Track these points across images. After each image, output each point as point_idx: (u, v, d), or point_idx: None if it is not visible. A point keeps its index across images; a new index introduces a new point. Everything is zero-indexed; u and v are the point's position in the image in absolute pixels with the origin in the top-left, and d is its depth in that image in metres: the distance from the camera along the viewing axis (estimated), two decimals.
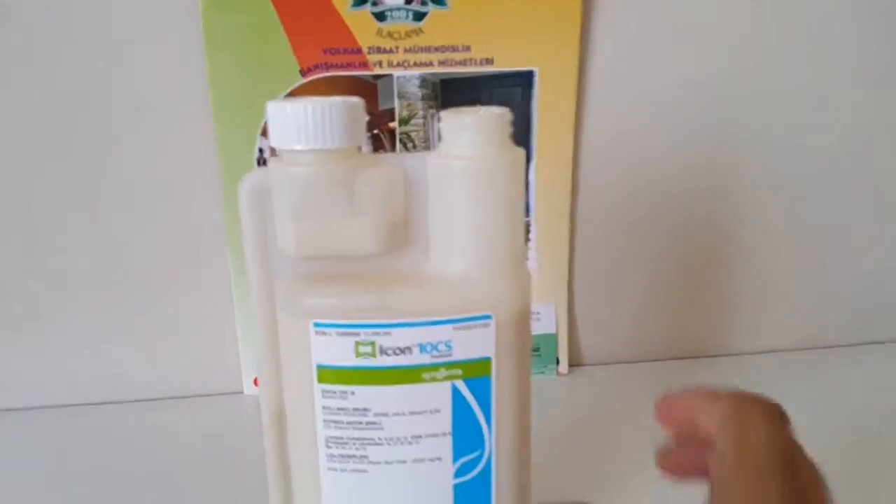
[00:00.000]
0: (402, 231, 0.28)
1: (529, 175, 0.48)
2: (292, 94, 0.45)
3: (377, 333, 0.27)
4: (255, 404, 0.49)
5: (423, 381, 0.28)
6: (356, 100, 0.26)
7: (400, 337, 0.27)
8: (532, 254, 0.50)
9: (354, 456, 0.28)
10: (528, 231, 0.49)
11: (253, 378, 0.51)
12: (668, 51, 0.49)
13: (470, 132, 0.27)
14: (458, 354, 0.27)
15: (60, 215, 0.48)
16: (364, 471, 0.28)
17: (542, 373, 0.53)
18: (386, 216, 0.27)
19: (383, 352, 0.27)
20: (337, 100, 0.26)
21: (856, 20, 0.49)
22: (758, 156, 0.52)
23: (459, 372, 0.28)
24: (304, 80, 0.45)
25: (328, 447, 0.28)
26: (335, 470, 0.29)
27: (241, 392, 0.52)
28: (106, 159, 0.47)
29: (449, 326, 0.27)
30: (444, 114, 0.27)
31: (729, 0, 0.48)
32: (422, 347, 0.27)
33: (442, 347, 0.27)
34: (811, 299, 0.56)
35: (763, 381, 0.51)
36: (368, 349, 0.27)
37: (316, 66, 0.45)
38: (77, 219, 0.48)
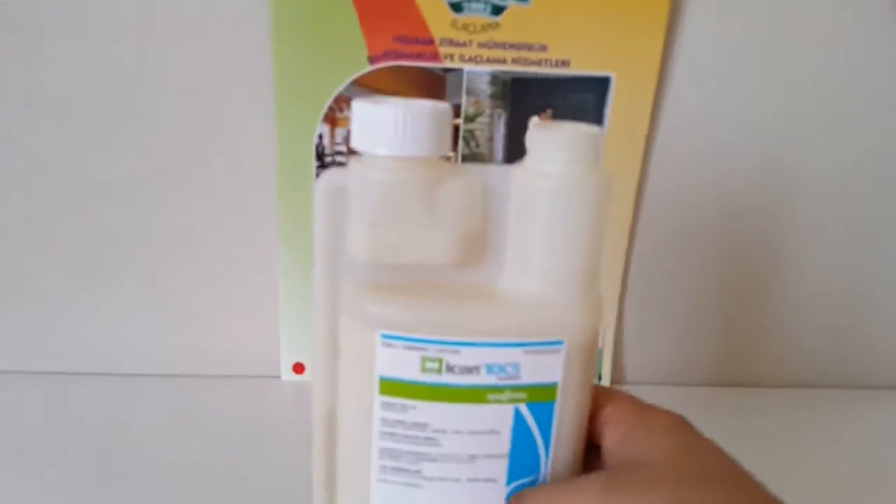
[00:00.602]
0: (478, 244, 0.27)
1: None
2: (358, 81, 0.44)
3: (445, 350, 0.26)
4: (292, 391, 0.50)
5: (487, 401, 0.27)
6: (445, 106, 0.25)
7: (468, 356, 0.26)
8: None
9: (408, 470, 0.28)
10: None
11: (292, 364, 0.51)
12: (755, 65, 0.46)
13: (560, 149, 0.25)
14: (526, 378, 0.27)
15: (111, 184, 0.47)
16: (416, 486, 0.28)
17: None
18: (463, 228, 0.26)
19: (450, 369, 0.26)
20: (427, 106, 0.25)
21: None
22: (825, 184, 0.50)
23: (524, 395, 0.27)
24: (372, 68, 0.44)
25: (381, 459, 0.28)
26: (386, 482, 0.28)
27: (279, 377, 0.51)
28: (162, 133, 0.47)
29: (519, 349, 0.26)
30: (533, 126, 0.26)
31: (825, 13, 0.46)
32: (489, 368, 0.26)
33: (510, 370, 0.26)
34: (860, 335, 0.54)
35: (802, 415, 0.51)
36: (435, 365, 0.26)
37: (385, 54, 0.44)
38: (129, 190, 0.48)
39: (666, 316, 0.53)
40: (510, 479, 0.28)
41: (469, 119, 0.45)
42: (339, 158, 0.46)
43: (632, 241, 0.50)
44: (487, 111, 0.45)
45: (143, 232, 0.49)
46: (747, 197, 0.50)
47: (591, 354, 0.28)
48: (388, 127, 0.25)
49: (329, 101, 0.44)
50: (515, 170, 0.26)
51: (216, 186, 0.48)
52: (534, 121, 0.26)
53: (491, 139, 0.46)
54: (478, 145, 0.46)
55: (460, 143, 0.46)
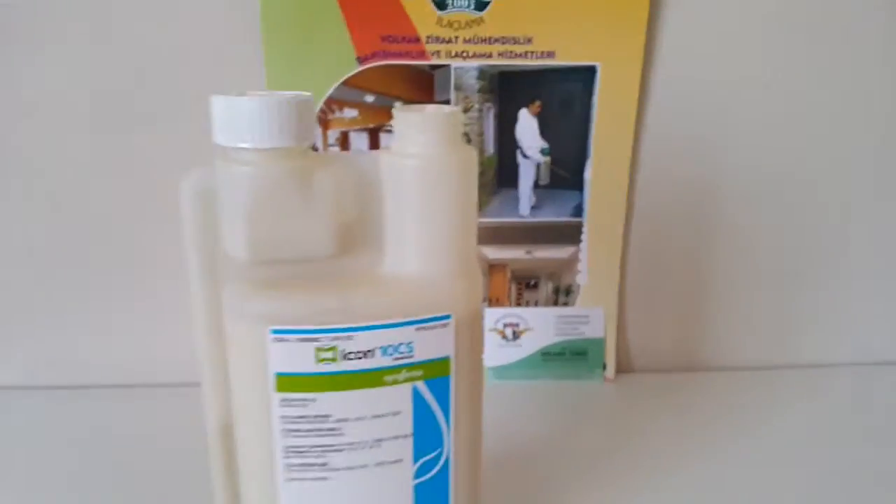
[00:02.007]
0: (357, 231, 0.27)
1: (585, 175, 0.47)
2: (348, 82, 0.44)
3: (339, 338, 0.26)
4: None
5: (385, 384, 0.27)
6: (306, 95, 0.25)
7: (362, 341, 0.26)
8: (583, 255, 0.49)
9: (315, 464, 0.27)
10: (579, 232, 0.48)
11: None
12: (736, 50, 0.48)
13: (420, 130, 0.26)
14: (420, 355, 0.27)
15: (84, 194, 0.46)
16: (324, 478, 0.28)
17: (589, 378, 0.52)
18: (339, 216, 0.26)
19: (345, 356, 0.26)
20: (286, 95, 0.25)
21: None
22: (827, 166, 0.51)
23: (420, 373, 0.27)
24: (361, 68, 0.44)
25: (286, 457, 0.27)
26: (293, 480, 0.28)
27: None
28: (154, 136, 0.45)
29: (411, 328, 0.27)
30: (396, 110, 0.27)
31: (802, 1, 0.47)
32: (384, 350, 0.27)
33: (404, 349, 0.27)
34: (866, 315, 0.55)
35: (812, 394, 0.51)
36: (330, 354, 0.26)
37: (374, 54, 0.44)
38: (105, 202, 0.47)
39: (669, 304, 0.53)
40: (416, 457, 0.29)
41: None
42: None
43: (628, 229, 0.50)
44: (476, 106, 0.45)
45: (120, 246, 0.48)
46: (746, 180, 0.51)
47: (477, 325, 0.29)
48: (247, 119, 0.24)
49: (320, 104, 0.44)
50: (383, 154, 0.27)
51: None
52: (397, 105, 0.27)
53: (481, 133, 0.46)
54: (469, 140, 0.46)
55: None
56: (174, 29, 0.44)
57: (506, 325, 0.50)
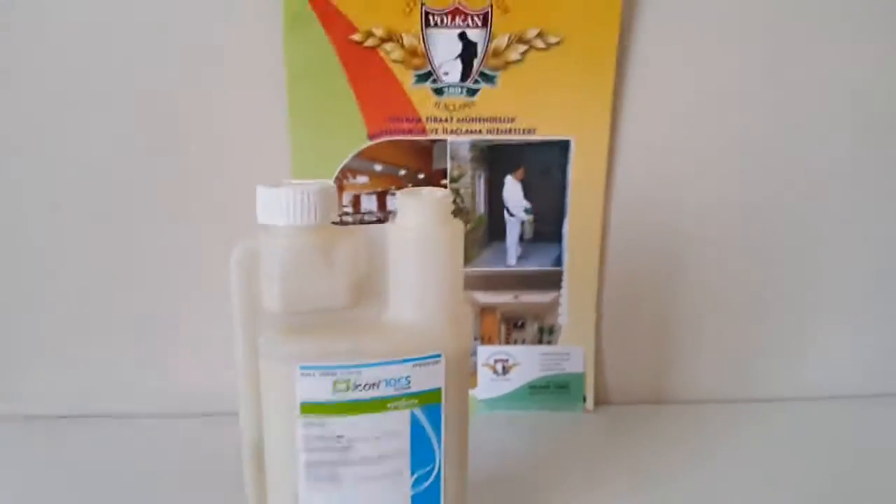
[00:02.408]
0: (366, 286, 0.34)
1: (563, 229, 0.55)
2: (360, 154, 0.51)
3: (351, 373, 0.33)
4: None
5: (388, 409, 0.34)
6: (330, 184, 0.33)
7: (369, 375, 0.33)
8: (563, 300, 0.56)
9: (329, 476, 0.34)
10: (560, 279, 0.56)
11: None
12: (692, 112, 0.55)
13: (418, 210, 0.34)
14: (416, 387, 0.34)
15: (142, 225, 0.54)
16: (338, 488, 0.34)
17: (571, 409, 0.58)
18: (353, 276, 0.34)
19: (356, 387, 0.33)
20: (314, 185, 0.32)
21: None
22: (790, 204, 0.56)
23: (416, 401, 0.34)
24: (371, 143, 0.51)
25: (307, 469, 0.34)
26: (312, 489, 0.34)
27: None
28: (188, 204, 0.53)
29: (409, 364, 0.33)
30: (399, 194, 0.34)
31: (758, 66, 0.53)
32: (387, 382, 0.33)
33: (403, 382, 0.34)
34: (834, 348, 0.60)
35: (776, 426, 0.56)
36: (344, 386, 0.33)
37: (381, 132, 0.51)
38: (166, 263, 0.54)
39: (643, 342, 0.59)
40: (413, 471, 0.35)
41: (454, 180, 0.53)
42: (345, 218, 0.53)
43: (602, 275, 0.57)
44: (469, 173, 0.53)
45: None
46: (703, 220, 0.57)
47: (464, 361, 0.36)
48: (283, 205, 0.32)
49: (336, 172, 0.52)
50: (389, 227, 0.34)
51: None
52: (399, 192, 0.34)
53: (474, 195, 0.53)
54: (463, 201, 0.53)
55: None
56: (208, 108, 0.51)
57: (496, 361, 0.57)
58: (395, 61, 0.50)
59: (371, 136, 0.52)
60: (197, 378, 0.55)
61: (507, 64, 0.51)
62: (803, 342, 0.60)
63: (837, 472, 0.51)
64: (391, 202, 0.53)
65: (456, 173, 0.53)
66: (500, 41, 0.50)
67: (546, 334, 0.57)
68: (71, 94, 0.51)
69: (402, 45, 0.50)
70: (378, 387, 0.33)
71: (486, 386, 0.57)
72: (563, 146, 0.53)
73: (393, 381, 0.33)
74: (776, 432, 0.56)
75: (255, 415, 0.34)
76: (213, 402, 0.52)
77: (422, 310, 0.34)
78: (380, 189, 0.52)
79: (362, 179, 0.52)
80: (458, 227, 0.35)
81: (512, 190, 0.54)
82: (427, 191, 0.35)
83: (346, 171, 0.52)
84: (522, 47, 0.51)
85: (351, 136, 0.51)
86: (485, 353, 0.57)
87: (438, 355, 0.34)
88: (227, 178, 0.52)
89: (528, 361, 0.57)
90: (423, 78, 0.51)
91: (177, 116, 0.52)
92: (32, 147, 0.52)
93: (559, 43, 0.51)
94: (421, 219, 0.33)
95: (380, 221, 0.53)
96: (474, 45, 0.50)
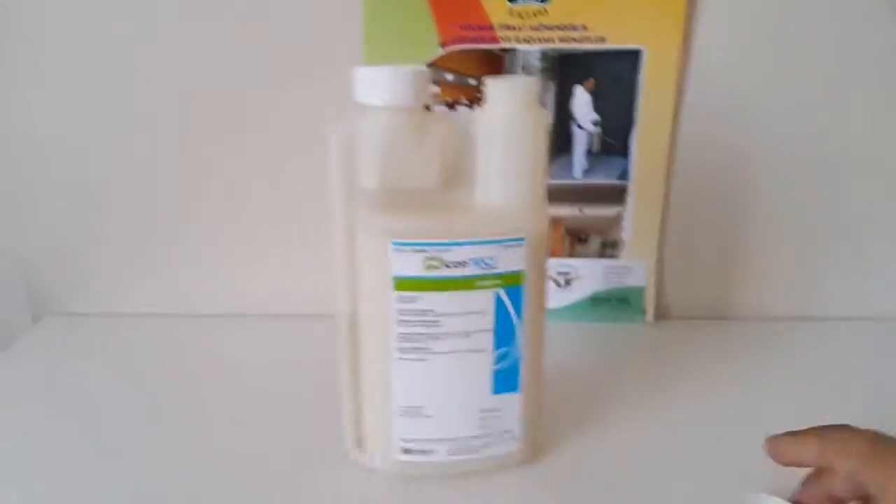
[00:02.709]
0: (456, 170, 0.36)
1: (630, 143, 0.55)
2: (432, 64, 0.53)
3: (441, 250, 0.35)
4: None
5: (475, 288, 0.36)
6: (422, 69, 0.34)
7: (458, 253, 0.35)
8: (628, 214, 0.57)
9: (419, 348, 0.36)
10: (625, 193, 0.57)
11: None
12: (769, 33, 0.54)
13: (506, 96, 0.35)
14: (500, 268, 0.36)
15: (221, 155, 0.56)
16: (426, 360, 0.36)
17: (631, 321, 0.59)
18: (444, 159, 0.35)
19: (445, 265, 0.35)
20: (409, 69, 0.33)
21: None
22: (852, 143, 0.56)
23: (500, 281, 0.36)
24: (443, 52, 0.53)
25: (399, 342, 0.36)
26: (403, 360, 0.36)
27: None
28: (264, 116, 0.54)
29: (495, 245, 0.35)
30: (488, 80, 0.35)
31: None
32: (475, 262, 0.35)
33: (489, 262, 0.35)
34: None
35: (835, 345, 0.57)
36: (435, 263, 0.35)
37: (453, 41, 0.52)
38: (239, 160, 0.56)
39: (705, 257, 0.59)
40: (496, 347, 0.37)
41: None
42: None
43: (668, 191, 0.57)
44: (539, 83, 0.53)
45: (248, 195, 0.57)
46: (771, 141, 0.57)
47: (543, 246, 0.37)
48: (382, 85, 0.33)
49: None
50: (478, 112, 0.36)
51: (305, 151, 0.51)
52: (488, 78, 0.35)
53: (543, 105, 0.54)
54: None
55: None
56: (282, 17, 0.53)
57: (559, 274, 0.59)
58: None
59: (443, 45, 0.52)
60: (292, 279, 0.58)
61: None
62: (866, 263, 0.60)
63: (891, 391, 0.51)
64: (461, 113, 0.54)
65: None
66: None
67: (609, 248, 0.58)
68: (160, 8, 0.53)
69: None
70: (466, 265, 0.35)
71: (548, 297, 0.58)
72: (634, 56, 0.53)
73: (480, 261, 0.35)
74: (837, 351, 0.56)
75: (350, 290, 0.37)
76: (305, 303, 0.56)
77: (507, 193, 0.36)
78: (450, 100, 0.54)
79: (434, 90, 0.53)
80: (544, 114, 0.36)
81: (581, 101, 0.54)
82: (514, 77, 0.36)
83: None
84: None
85: (424, 44, 0.52)
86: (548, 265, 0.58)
87: (522, 239, 0.36)
88: (300, 87, 0.54)
89: (590, 274, 0.59)
90: None
91: (263, 19, 0.53)
92: (125, 53, 0.54)
93: None
94: (509, 104, 0.35)
95: None
96: None
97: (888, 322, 0.61)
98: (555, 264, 0.58)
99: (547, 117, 0.36)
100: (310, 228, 0.56)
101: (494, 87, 0.35)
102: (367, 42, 0.52)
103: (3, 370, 0.52)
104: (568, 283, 0.59)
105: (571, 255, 0.58)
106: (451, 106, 0.54)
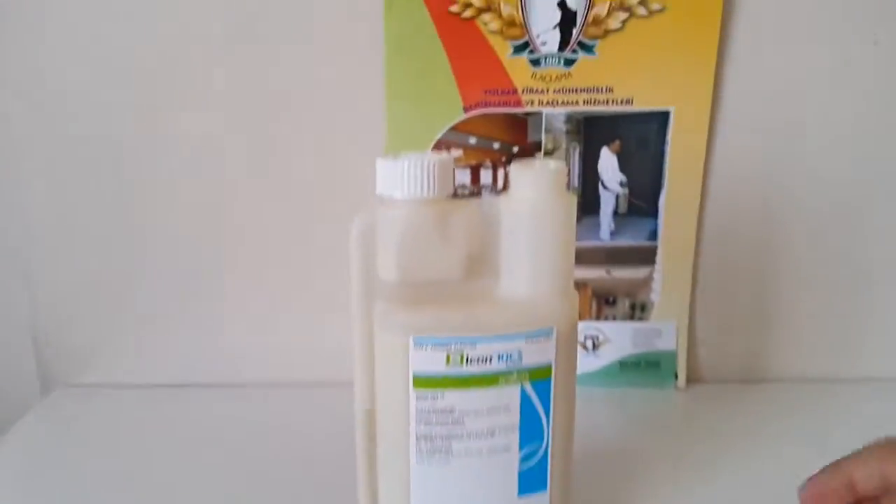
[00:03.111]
0: (479, 259, 0.34)
1: (660, 203, 0.53)
2: (455, 127, 0.51)
3: (465, 346, 0.33)
4: None
5: (499, 384, 0.33)
6: (448, 157, 0.32)
7: (483, 349, 0.33)
8: (657, 276, 0.55)
9: (440, 450, 0.34)
10: (654, 254, 0.55)
11: None
12: (797, 91, 0.52)
13: (532, 182, 0.33)
14: (527, 361, 0.33)
15: (245, 215, 0.55)
16: (447, 462, 0.34)
17: (662, 386, 0.57)
18: (467, 249, 0.33)
19: (469, 361, 0.33)
20: (434, 158, 0.32)
21: None
22: (882, 199, 0.55)
23: (527, 375, 0.34)
24: (465, 116, 0.51)
25: (418, 443, 0.34)
26: (423, 463, 0.34)
27: None
28: (289, 179, 0.54)
29: (522, 339, 0.33)
30: (512, 165, 0.33)
31: (870, 49, 0.51)
32: (499, 357, 0.33)
33: (515, 356, 0.33)
34: None
35: (874, 406, 0.54)
36: (458, 359, 0.33)
37: (477, 105, 0.51)
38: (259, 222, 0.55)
39: (737, 319, 0.58)
40: (522, 446, 0.35)
41: (548, 153, 0.52)
42: None
43: (698, 251, 0.55)
44: (564, 145, 0.52)
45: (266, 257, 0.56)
46: (808, 206, 0.55)
47: (573, 337, 0.35)
48: (403, 176, 0.31)
49: (431, 145, 0.52)
50: (503, 199, 0.34)
51: (334, 217, 0.51)
52: (512, 163, 0.33)
53: (569, 168, 0.51)
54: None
55: None
56: (309, 85, 0.52)
57: (587, 338, 0.56)
58: (492, 32, 0.49)
59: (466, 109, 0.51)
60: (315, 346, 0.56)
61: (607, 33, 0.49)
62: None
63: None
64: (484, 176, 0.52)
65: (550, 146, 0.52)
66: (601, 9, 0.49)
67: (638, 311, 0.56)
68: (164, 77, 0.52)
69: (500, 16, 0.49)
70: (490, 361, 0.33)
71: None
72: (662, 117, 0.51)
73: (505, 356, 0.33)
74: (873, 413, 0.53)
75: (368, 386, 0.35)
76: (327, 371, 0.53)
77: (535, 283, 0.34)
78: (473, 163, 0.52)
79: (456, 153, 0.52)
80: (572, 199, 0.34)
81: (607, 162, 0.52)
82: (540, 162, 0.34)
83: (441, 144, 0.52)
84: (623, 15, 0.49)
85: (446, 108, 0.51)
86: None
87: (550, 330, 0.34)
88: (323, 151, 0.53)
89: (619, 338, 0.56)
90: (520, 49, 0.50)
91: (276, 89, 0.52)
92: (136, 127, 0.53)
93: (662, 10, 0.49)
94: (535, 191, 0.33)
95: (472, 195, 0.53)
96: (573, 13, 0.49)
97: None
98: (582, 328, 0.56)
99: (575, 202, 0.34)
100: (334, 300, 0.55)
101: (519, 174, 0.33)
102: (390, 109, 0.51)
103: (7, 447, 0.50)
104: (596, 347, 0.56)
105: (599, 318, 0.56)
106: (474, 170, 0.52)
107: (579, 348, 0.56)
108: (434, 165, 0.31)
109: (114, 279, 0.56)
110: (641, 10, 0.49)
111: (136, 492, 0.45)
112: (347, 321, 0.34)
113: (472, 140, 0.51)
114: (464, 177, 0.52)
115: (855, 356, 0.59)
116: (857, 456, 0.31)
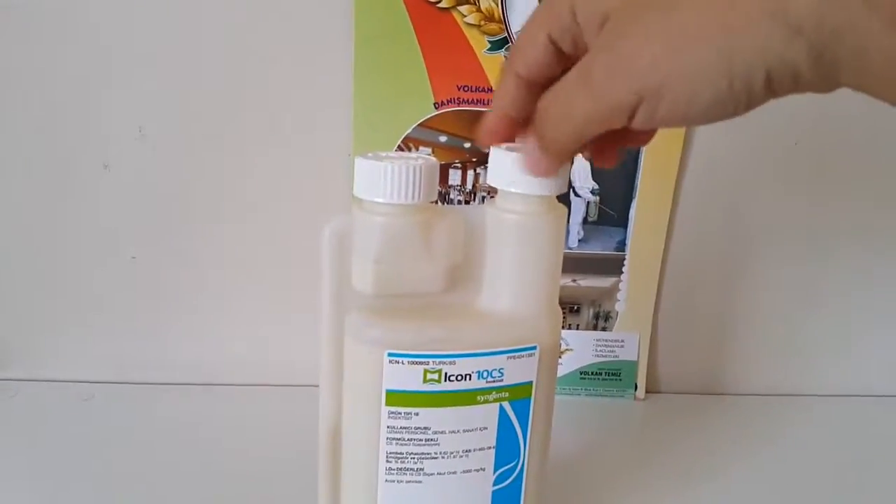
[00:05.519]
0: (461, 271, 0.32)
1: (630, 213, 0.52)
2: (424, 124, 0.48)
3: (444, 363, 0.30)
4: None
5: (478, 402, 0.32)
6: (434, 161, 0.30)
7: (463, 365, 0.31)
8: (623, 285, 0.54)
9: (412, 469, 0.32)
10: (621, 264, 0.54)
11: None
12: (767, 117, 0.50)
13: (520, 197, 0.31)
14: (508, 380, 0.32)
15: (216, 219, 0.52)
16: (419, 482, 0.32)
17: (622, 396, 0.56)
18: (448, 259, 0.31)
19: (447, 378, 0.31)
20: (418, 161, 0.29)
21: None
22: (845, 223, 0.55)
23: (507, 395, 0.32)
24: (437, 112, 0.48)
25: (388, 461, 0.32)
26: (392, 482, 0.32)
27: None
28: (252, 171, 0.50)
29: (504, 356, 0.31)
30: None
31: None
32: (479, 374, 0.31)
33: (495, 374, 0.31)
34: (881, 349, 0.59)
35: (825, 421, 0.55)
36: (435, 376, 0.31)
37: (449, 101, 0.48)
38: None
39: (697, 330, 0.57)
40: (497, 467, 0.33)
41: None
42: None
43: (664, 264, 0.54)
44: None
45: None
46: (767, 222, 0.55)
47: (555, 354, 0.34)
48: (385, 179, 0.29)
49: (399, 142, 0.49)
50: (487, 208, 0.32)
51: (301, 214, 0.50)
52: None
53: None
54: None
55: None
56: (273, 74, 0.49)
57: None
58: (469, 25, 0.47)
59: (438, 105, 0.49)
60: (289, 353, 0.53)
61: None
62: (856, 340, 0.59)
63: (889, 471, 0.50)
64: (453, 176, 0.50)
65: None
66: None
67: (601, 320, 0.55)
68: (136, 70, 0.48)
69: (479, 9, 0.46)
70: (470, 378, 0.31)
71: None
72: None
73: (486, 373, 0.31)
74: (827, 428, 0.55)
75: (335, 401, 0.32)
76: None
77: (518, 298, 0.32)
78: (442, 162, 0.50)
79: (424, 151, 0.49)
80: (562, 212, 0.32)
81: (580, 169, 0.51)
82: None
83: (408, 141, 0.49)
84: None
85: (417, 103, 0.48)
86: None
87: (534, 347, 0.32)
88: (285, 144, 0.50)
89: (581, 347, 0.55)
90: (497, 45, 0.48)
91: (241, 77, 0.49)
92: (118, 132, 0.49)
93: None
94: (524, 202, 0.31)
95: (441, 196, 0.50)
96: None
97: (879, 399, 0.59)
98: None
99: (565, 214, 0.32)
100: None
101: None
102: (357, 102, 0.48)
103: None
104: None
105: (562, 326, 0.54)
106: (442, 169, 0.50)
107: None
108: (421, 169, 0.29)
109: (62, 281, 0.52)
110: None
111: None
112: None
113: (443, 138, 0.49)
114: None
115: (812, 372, 0.59)
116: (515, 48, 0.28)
